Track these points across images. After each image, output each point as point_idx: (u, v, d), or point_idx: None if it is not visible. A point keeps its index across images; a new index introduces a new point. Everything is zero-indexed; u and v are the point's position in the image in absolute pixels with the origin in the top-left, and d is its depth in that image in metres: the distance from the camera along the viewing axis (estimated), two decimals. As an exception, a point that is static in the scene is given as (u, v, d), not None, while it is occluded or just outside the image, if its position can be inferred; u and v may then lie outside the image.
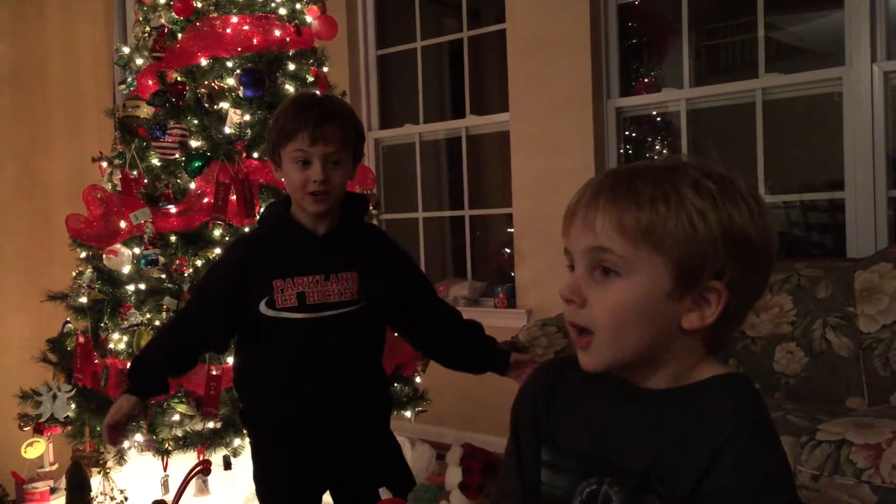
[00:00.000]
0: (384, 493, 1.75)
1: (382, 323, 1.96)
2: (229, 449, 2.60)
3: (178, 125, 2.74)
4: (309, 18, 2.95)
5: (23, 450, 3.10)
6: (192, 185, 2.73)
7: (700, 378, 0.93)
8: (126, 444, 2.57)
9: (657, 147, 4.16)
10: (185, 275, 2.68)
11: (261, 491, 1.94)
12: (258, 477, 1.94)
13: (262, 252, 1.85)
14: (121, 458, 2.70)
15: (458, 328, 1.98)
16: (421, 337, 2.05)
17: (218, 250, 2.67)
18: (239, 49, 2.78)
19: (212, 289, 1.91)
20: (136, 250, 2.74)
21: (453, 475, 1.46)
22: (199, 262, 2.69)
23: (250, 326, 1.84)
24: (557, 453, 0.99)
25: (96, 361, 2.76)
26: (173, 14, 2.85)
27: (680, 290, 0.88)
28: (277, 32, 2.82)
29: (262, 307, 1.79)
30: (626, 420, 0.95)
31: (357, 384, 1.88)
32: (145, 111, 2.84)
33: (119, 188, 2.85)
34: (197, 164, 2.71)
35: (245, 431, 2.06)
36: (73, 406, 2.78)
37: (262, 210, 2.27)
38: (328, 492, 1.99)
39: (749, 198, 0.90)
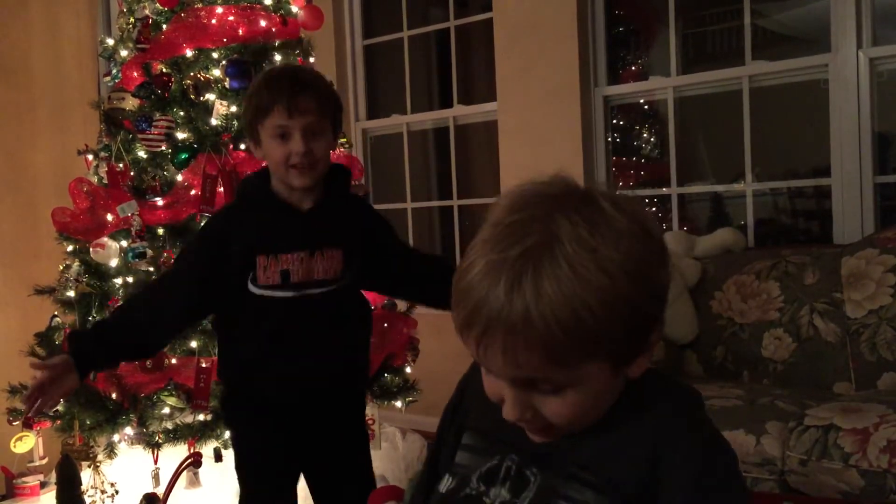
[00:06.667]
0: (380, 482, 1.76)
1: (364, 299, 1.96)
2: (220, 441, 2.59)
3: (164, 117, 2.72)
4: (294, 8, 2.93)
5: (12, 444, 3.09)
6: (179, 178, 2.71)
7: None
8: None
9: (644, 135, 4.17)
10: (174, 267, 2.67)
11: (241, 475, 1.93)
12: (238, 462, 1.93)
13: (244, 227, 1.80)
14: (111, 451, 2.69)
15: (434, 272, 1.99)
16: (406, 291, 2.11)
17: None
18: (224, 40, 2.76)
19: (187, 262, 1.86)
20: (124, 243, 2.73)
21: None
22: (187, 255, 2.69)
23: (231, 305, 1.81)
24: (480, 436, 0.98)
25: (85, 355, 2.75)
26: (158, 5, 2.83)
27: (626, 364, 0.85)
28: (263, 23, 2.80)
29: (249, 284, 1.76)
30: None
31: (336, 362, 1.87)
32: (131, 103, 2.82)
33: (105, 181, 2.83)
34: (184, 156, 2.69)
35: (225, 416, 2.03)
36: (62, 400, 2.77)
37: (237, 185, 2.21)
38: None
39: (636, 226, 0.81)
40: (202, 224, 2.04)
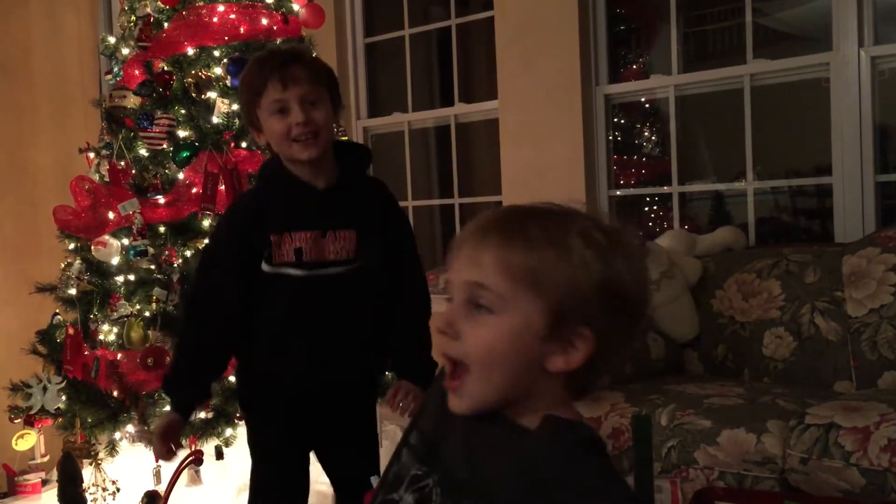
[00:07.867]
0: (376, 481, 1.75)
1: (383, 284, 1.90)
2: (221, 439, 2.60)
3: (165, 115, 2.73)
4: (296, 7, 2.93)
5: (14, 442, 3.10)
6: (181, 176, 2.72)
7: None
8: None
9: (646, 133, 4.17)
10: (175, 265, 2.67)
11: (253, 452, 1.94)
12: (251, 439, 1.94)
13: (261, 207, 1.81)
14: (112, 449, 2.70)
15: (405, 318, 1.93)
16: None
17: (207, 241, 2.66)
18: (226, 38, 2.77)
19: (220, 254, 1.85)
20: (125, 241, 2.73)
21: None
22: (188, 253, 2.69)
23: (250, 289, 1.80)
24: (420, 438, 1.02)
25: (86, 353, 2.76)
26: (159, 3, 2.83)
27: (550, 332, 0.89)
28: (264, 21, 2.81)
29: (263, 263, 1.77)
30: (490, 443, 0.94)
31: (349, 349, 1.84)
32: (132, 101, 2.82)
33: (107, 179, 2.84)
34: (185, 154, 2.70)
35: (238, 401, 2.02)
36: (63, 398, 2.78)
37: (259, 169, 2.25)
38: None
39: (634, 252, 0.93)
40: (225, 212, 2.02)
